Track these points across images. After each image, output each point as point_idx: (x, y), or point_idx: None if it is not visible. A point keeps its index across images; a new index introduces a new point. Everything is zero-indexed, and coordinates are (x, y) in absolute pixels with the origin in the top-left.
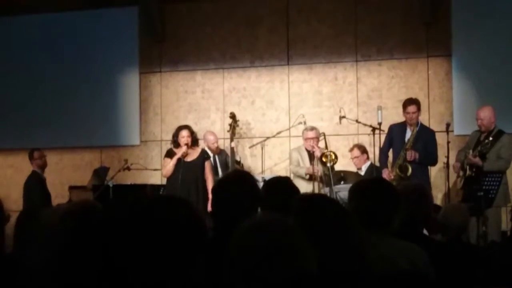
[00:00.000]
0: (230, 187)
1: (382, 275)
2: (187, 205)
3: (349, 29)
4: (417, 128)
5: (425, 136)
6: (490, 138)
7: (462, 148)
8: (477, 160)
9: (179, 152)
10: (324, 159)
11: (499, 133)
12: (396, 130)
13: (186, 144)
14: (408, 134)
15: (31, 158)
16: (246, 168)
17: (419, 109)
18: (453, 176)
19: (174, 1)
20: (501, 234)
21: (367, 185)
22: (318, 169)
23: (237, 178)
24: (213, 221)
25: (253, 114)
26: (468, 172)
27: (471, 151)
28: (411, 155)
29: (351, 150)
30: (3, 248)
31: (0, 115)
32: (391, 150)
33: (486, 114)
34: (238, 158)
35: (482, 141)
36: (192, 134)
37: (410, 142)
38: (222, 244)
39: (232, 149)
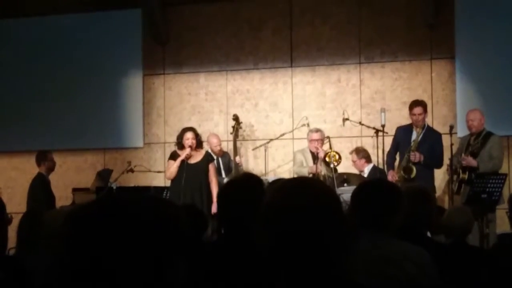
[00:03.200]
0: (240, 190)
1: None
2: (161, 203)
3: (353, 31)
4: (423, 130)
5: (431, 138)
6: (479, 140)
7: (455, 154)
8: (471, 160)
9: (183, 154)
10: (327, 159)
11: (488, 135)
12: (402, 132)
13: (190, 146)
14: (414, 136)
15: (43, 159)
16: (248, 170)
17: (425, 110)
18: None
19: (177, 3)
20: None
21: (370, 187)
22: (322, 168)
23: (247, 181)
24: (219, 224)
25: (256, 116)
26: (461, 175)
27: (463, 155)
28: (415, 156)
29: (351, 153)
30: (6, 250)
31: (3, 118)
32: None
33: (476, 115)
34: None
35: (472, 143)
36: (197, 136)
37: (415, 143)
38: (229, 245)
39: (235, 161)
